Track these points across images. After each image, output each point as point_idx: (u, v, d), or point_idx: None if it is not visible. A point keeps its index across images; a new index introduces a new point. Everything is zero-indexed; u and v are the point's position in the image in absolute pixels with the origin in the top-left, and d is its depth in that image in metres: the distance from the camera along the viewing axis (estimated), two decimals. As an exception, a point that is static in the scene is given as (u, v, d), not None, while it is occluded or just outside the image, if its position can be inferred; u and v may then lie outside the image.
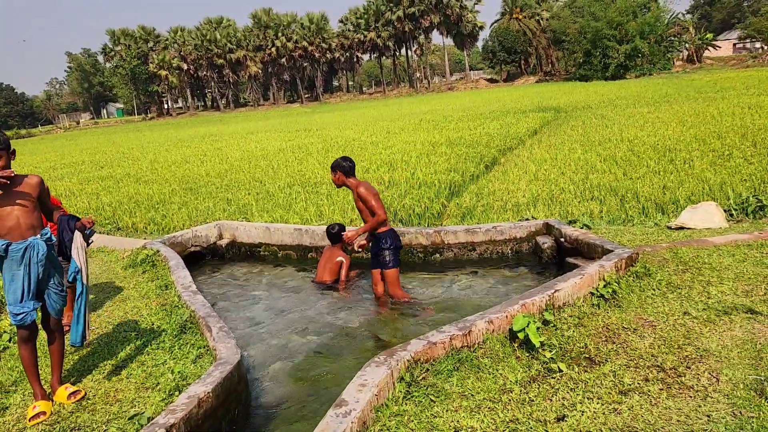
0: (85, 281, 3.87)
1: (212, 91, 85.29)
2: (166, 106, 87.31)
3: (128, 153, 24.66)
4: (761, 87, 24.57)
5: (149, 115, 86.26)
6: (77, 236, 3.84)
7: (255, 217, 9.23)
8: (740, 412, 3.04)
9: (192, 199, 11.88)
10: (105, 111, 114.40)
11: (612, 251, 4.93)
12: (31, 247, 3.54)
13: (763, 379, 3.30)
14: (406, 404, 3.29)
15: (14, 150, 3.60)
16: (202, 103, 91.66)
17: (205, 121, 55.67)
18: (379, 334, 4.90)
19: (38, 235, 3.59)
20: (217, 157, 19.14)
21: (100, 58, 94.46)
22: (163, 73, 77.65)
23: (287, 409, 3.84)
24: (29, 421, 3.55)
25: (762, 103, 17.83)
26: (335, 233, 6.24)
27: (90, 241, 3.93)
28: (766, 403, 3.08)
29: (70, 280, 3.87)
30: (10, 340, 5.05)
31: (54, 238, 3.71)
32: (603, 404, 3.24)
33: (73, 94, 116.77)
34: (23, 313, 3.58)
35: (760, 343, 3.71)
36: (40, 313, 3.80)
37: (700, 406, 3.14)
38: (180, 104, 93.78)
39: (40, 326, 3.87)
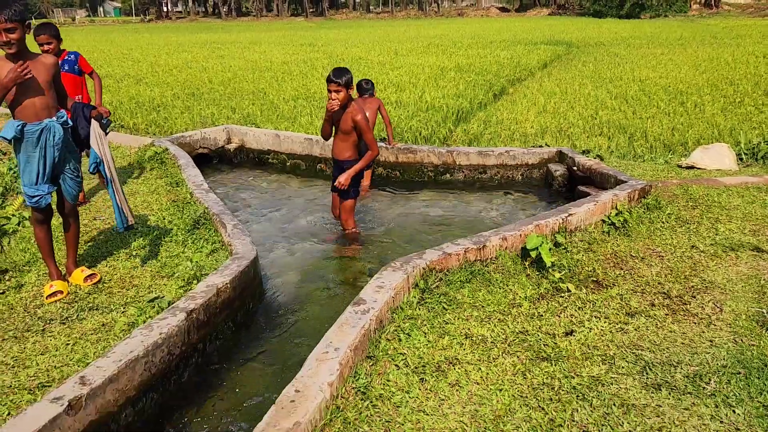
0: (110, 170, 3.84)
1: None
2: (165, 9, 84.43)
3: (127, 54, 24.03)
4: (778, 37, 24.04)
5: (147, 16, 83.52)
6: (95, 125, 3.77)
7: (260, 125, 9.12)
8: (741, 340, 3.14)
9: (195, 104, 11.69)
10: (101, 9, 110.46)
11: (626, 182, 4.95)
12: (47, 130, 3.47)
13: (765, 311, 3.40)
14: (419, 309, 3.38)
15: (29, 23, 3.46)
16: (203, 9, 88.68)
17: (206, 28, 54.02)
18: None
19: (54, 117, 3.52)
20: (219, 65, 18.71)
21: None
22: (164, -27, 74.56)
23: (299, 306, 3.94)
24: (46, 298, 3.62)
25: (778, 53, 17.51)
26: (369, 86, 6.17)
27: (107, 131, 3.87)
28: (766, 334, 3.18)
29: (91, 170, 3.83)
30: (19, 224, 5.08)
31: (71, 122, 3.65)
32: (610, 323, 3.33)
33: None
34: (38, 195, 3.56)
35: (764, 279, 3.79)
36: (55, 197, 3.78)
37: (703, 332, 3.24)
38: (180, 8, 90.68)
39: (55, 210, 3.87)
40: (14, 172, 6.54)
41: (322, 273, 4.49)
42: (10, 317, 3.47)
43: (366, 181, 6.36)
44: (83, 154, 4.03)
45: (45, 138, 3.47)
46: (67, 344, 3.12)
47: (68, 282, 3.82)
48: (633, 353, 3.03)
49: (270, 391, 3.07)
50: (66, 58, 5.63)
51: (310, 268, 4.57)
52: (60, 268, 3.91)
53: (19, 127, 3.39)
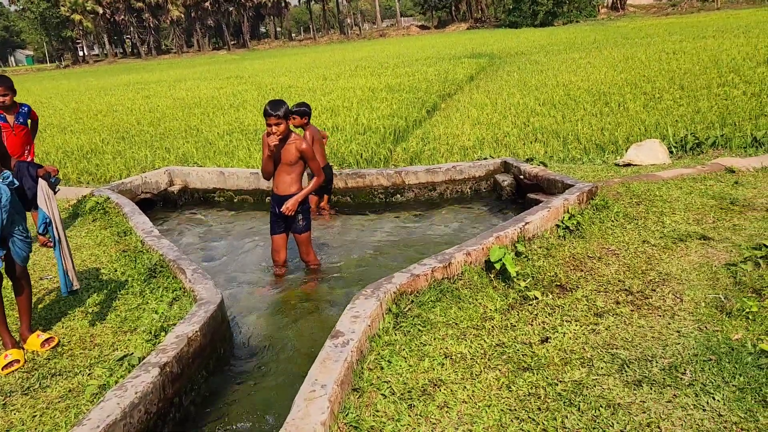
0: (58, 231, 3.67)
1: (131, 37, 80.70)
2: (81, 53, 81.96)
3: (46, 102, 23.17)
4: (683, 33, 25.56)
5: (63, 62, 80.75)
6: (43, 184, 3.61)
7: (200, 164, 8.96)
8: (706, 327, 3.28)
9: (126, 148, 11.37)
10: (12, 58, 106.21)
11: (573, 185, 5.12)
12: None
13: (722, 297, 3.57)
14: (396, 334, 3.37)
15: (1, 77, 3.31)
16: (121, 50, 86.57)
17: (127, 69, 52.76)
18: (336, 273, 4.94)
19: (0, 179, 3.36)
20: (146, 106, 18.29)
21: (4, 1, 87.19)
22: (77, 17, 72.47)
23: (269, 345, 3.86)
24: (2, 369, 3.40)
25: (685, 49, 18.58)
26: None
27: (56, 190, 3.71)
28: (727, 319, 3.34)
29: (41, 231, 3.66)
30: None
31: (16, 182, 3.48)
32: (581, 326, 3.42)
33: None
34: (-12, 260, 3.38)
35: (714, 266, 3.99)
36: (3, 262, 3.58)
37: (669, 324, 3.37)
38: (96, 51, 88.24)
39: (3, 274, 3.67)
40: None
41: (287, 308, 4.41)
42: (-36, 395, 3.25)
43: (324, 203, 6.36)
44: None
45: None
46: (34, 416, 2.95)
47: (24, 349, 3.61)
48: (609, 353, 3.11)
49: (255, 437, 2.98)
50: (19, 111, 5.44)
51: (275, 304, 4.50)
52: (13, 335, 3.69)
53: None
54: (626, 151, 7.08)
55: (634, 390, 2.77)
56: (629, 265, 4.14)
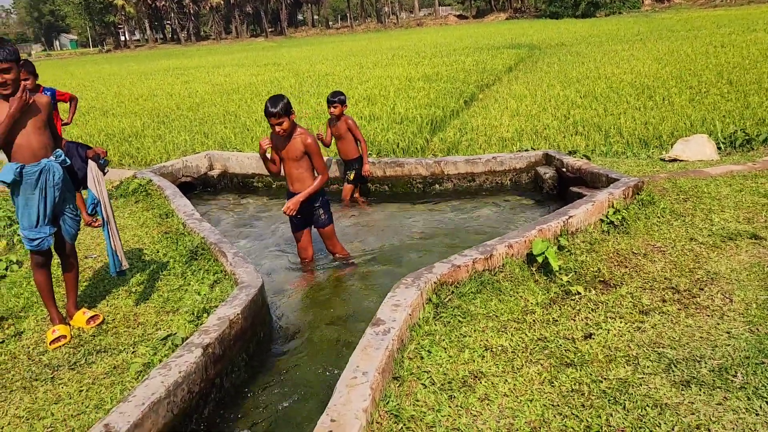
0: (107, 212, 3.74)
1: (172, 23, 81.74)
2: (123, 38, 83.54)
3: (90, 86, 23.66)
4: (731, 26, 24.76)
5: (105, 47, 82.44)
6: (92, 166, 3.68)
7: (241, 150, 9.03)
8: (757, 329, 3.17)
9: (166, 132, 11.53)
10: (57, 42, 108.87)
11: (618, 180, 5.01)
12: (46, 170, 3.38)
13: (774, 298, 3.45)
14: (436, 324, 3.35)
15: (23, 62, 3.37)
16: (161, 36, 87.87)
17: (167, 55, 53.54)
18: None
19: (52, 157, 3.43)
20: (185, 91, 18.53)
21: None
22: (120, 2, 73.82)
23: (306, 330, 3.88)
24: (50, 344, 3.49)
25: (734, 42, 18.01)
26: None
27: (105, 171, 3.78)
28: (779, 320, 3.22)
29: (90, 212, 3.74)
30: (6, 268, 4.92)
31: (69, 161, 3.55)
32: (626, 323, 3.34)
33: (21, 23, 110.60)
34: (39, 238, 3.45)
35: (767, 266, 3.85)
36: (53, 239, 3.66)
37: (718, 324, 3.27)
38: (138, 36, 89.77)
39: (53, 251, 3.75)
40: (-8, 216, 6.35)
41: (324, 294, 4.43)
42: (14, 367, 3.34)
43: (356, 194, 6.38)
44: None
45: (44, 179, 3.37)
46: (81, 391, 3.01)
47: (70, 325, 3.70)
48: (655, 352, 3.04)
49: (295, 420, 3.00)
50: (42, 94, 5.54)
51: (312, 290, 4.52)
52: (60, 312, 3.78)
53: (17, 170, 3.29)
54: (672, 146, 6.90)
55: (682, 390, 2.70)
56: (676, 262, 4.03)
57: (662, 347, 3.08)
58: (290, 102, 4.32)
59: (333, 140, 6.44)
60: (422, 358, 3.05)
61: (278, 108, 4.21)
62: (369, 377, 2.61)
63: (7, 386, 3.17)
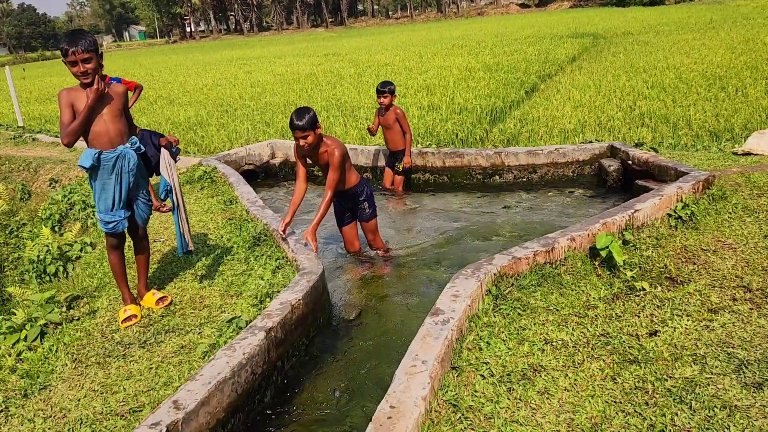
0: (177, 197, 3.90)
1: (235, 14, 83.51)
2: (188, 29, 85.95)
3: (157, 76, 24.46)
4: (814, 14, 23.39)
5: (172, 38, 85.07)
6: (165, 153, 3.84)
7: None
8: (836, 332, 3.02)
9: (229, 121, 11.82)
10: (127, 33, 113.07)
11: (687, 173, 4.83)
12: (122, 157, 3.53)
13: None
14: (495, 316, 3.33)
15: (102, 53, 3.53)
16: (225, 27, 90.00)
17: (230, 45, 54.78)
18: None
19: (128, 144, 3.58)
20: (248, 81, 18.92)
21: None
22: (185, -6, 75.89)
23: (363, 317, 3.93)
24: (122, 323, 3.66)
25: (817, 31, 17.02)
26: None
27: (177, 159, 3.94)
28: None
29: (162, 197, 3.90)
30: (81, 250, 5.18)
31: (143, 148, 3.71)
32: (693, 321, 3.24)
33: (94, 15, 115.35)
34: (115, 221, 3.62)
35: None
36: (127, 222, 3.83)
37: (793, 325, 3.12)
38: (202, 27, 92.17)
39: (126, 234, 3.92)
40: (68, 199, 6.69)
41: (381, 283, 4.47)
42: (89, 343, 3.52)
43: (398, 187, 6.41)
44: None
45: (120, 165, 3.53)
46: (150, 368, 3.15)
47: (140, 306, 3.87)
48: (724, 351, 2.93)
49: (352, 405, 3.05)
50: (110, 84, 5.78)
51: (369, 278, 4.56)
52: (131, 292, 3.95)
53: (96, 155, 3.45)
54: (745, 139, 6.58)
55: (754, 393, 2.60)
56: (748, 260, 3.86)
57: (732, 347, 2.97)
58: (316, 115, 4.24)
59: (380, 129, 6.49)
60: (481, 349, 3.04)
61: (304, 121, 4.11)
62: (428, 366, 2.63)
63: (83, 361, 3.34)
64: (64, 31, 3.53)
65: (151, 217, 4.00)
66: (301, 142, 4.18)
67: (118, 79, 5.91)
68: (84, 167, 3.50)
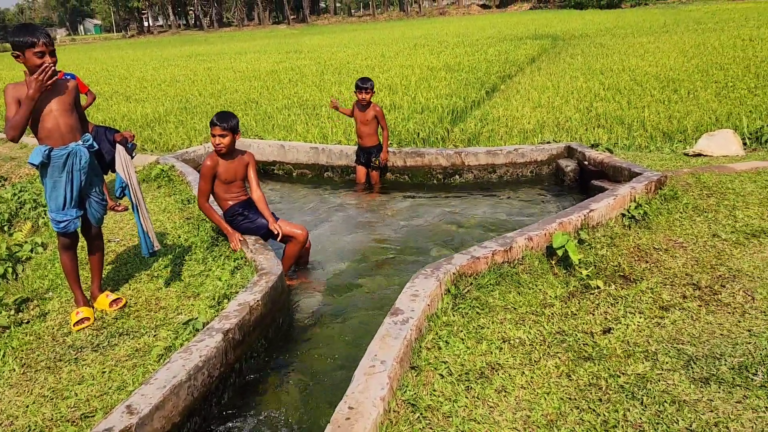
0: (136, 195, 3.80)
1: (195, 9, 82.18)
2: (146, 24, 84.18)
3: (113, 71, 23.89)
4: (761, 19, 24.28)
5: (129, 32, 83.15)
6: (120, 150, 3.73)
7: (263, 137, 9.08)
8: (779, 328, 3.14)
9: (188, 118, 11.62)
10: (82, 27, 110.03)
11: (641, 174, 4.95)
12: (73, 154, 3.43)
13: (797, 297, 3.40)
14: (454, 315, 3.36)
15: (54, 48, 3.42)
16: (184, 22, 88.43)
17: (189, 41, 53.85)
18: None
19: (80, 141, 3.48)
20: (207, 77, 18.63)
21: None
22: (143, -13, 74.33)
23: (325, 317, 3.91)
24: (74, 326, 3.56)
25: (763, 35, 17.66)
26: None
27: (133, 155, 3.83)
28: (803, 320, 3.18)
29: (118, 195, 3.80)
30: (32, 250, 5.01)
31: (96, 145, 3.60)
32: (646, 318, 3.33)
33: (47, 7, 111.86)
34: (66, 220, 3.51)
35: (791, 265, 3.80)
36: (80, 222, 3.72)
37: (739, 322, 3.23)
38: (161, 22, 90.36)
39: (79, 234, 3.81)
40: (18, 198, 6.47)
41: (343, 283, 4.45)
42: (39, 347, 3.42)
43: (376, 180, 6.43)
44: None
45: (72, 162, 3.43)
46: (103, 372, 3.08)
47: (93, 308, 3.77)
48: (674, 348, 3.02)
49: (311, 406, 3.04)
50: (62, 79, 5.62)
51: (329, 277, 4.54)
52: (84, 294, 3.85)
53: (45, 152, 3.35)
54: (696, 141, 6.80)
55: (701, 388, 2.68)
56: (698, 258, 3.99)
57: (682, 343, 3.06)
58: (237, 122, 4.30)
59: (355, 126, 6.50)
60: (440, 348, 3.06)
61: (229, 123, 4.19)
62: (387, 366, 2.63)
63: (32, 366, 3.24)
64: (16, 24, 3.44)
65: (105, 216, 3.90)
66: (218, 140, 4.20)
67: (73, 75, 5.74)
68: (34, 164, 3.39)
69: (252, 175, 4.43)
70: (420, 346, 3.04)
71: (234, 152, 4.37)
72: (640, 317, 3.35)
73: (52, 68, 3.27)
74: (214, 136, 4.23)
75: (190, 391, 2.74)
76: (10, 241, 5.26)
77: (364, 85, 6.32)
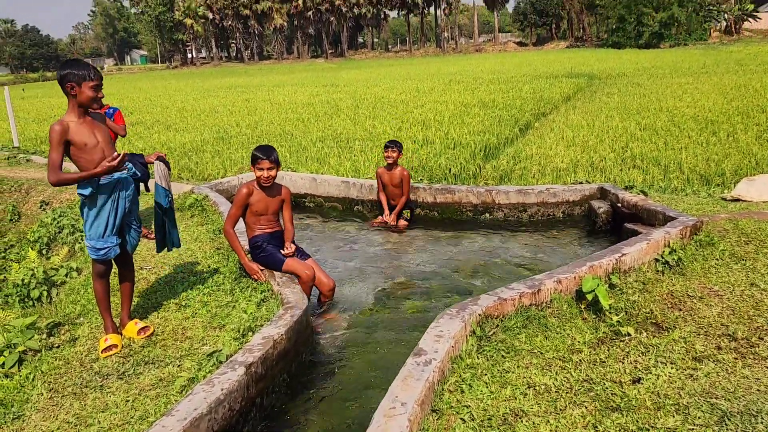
0: (171, 201, 4.01)
1: (237, 42, 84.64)
2: (190, 56, 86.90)
3: (156, 100, 24.63)
4: (804, 62, 23.86)
5: (173, 63, 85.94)
6: (160, 165, 3.89)
7: (294, 169, 9.21)
8: (820, 385, 3.00)
9: (225, 148, 11.87)
10: (129, 57, 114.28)
11: (675, 218, 4.85)
12: (119, 183, 3.55)
13: (840, 353, 3.26)
14: (478, 358, 3.30)
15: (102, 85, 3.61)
16: (226, 54, 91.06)
17: (230, 72, 55.32)
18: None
19: (124, 170, 3.60)
20: (245, 109, 19.06)
21: (126, 3, 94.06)
22: (189, 21, 77.02)
23: (350, 354, 3.88)
24: (102, 352, 3.61)
25: (807, 79, 17.34)
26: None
27: (169, 170, 3.98)
28: None
29: (166, 205, 3.93)
30: (66, 275, 5.13)
31: (139, 173, 3.73)
32: (677, 369, 3.22)
33: (97, 38, 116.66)
34: (106, 248, 3.60)
35: (833, 318, 3.65)
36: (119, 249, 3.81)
37: (777, 377, 3.11)
38: (204, 54, 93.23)
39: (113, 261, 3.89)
40: (58, 222, 6.66)
41: (369, 319, 4.43)
42: (67, 372, 3.47)
43: (402, 222, 6.39)
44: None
45: (118, 191, 3.55)
46: (127, 401, 3.10)
47: (122, 335, 3.82)
48: (707, 402, 2.91)
49: (331, 446, 3.00)
50: (106, 111, 5.84)
51: (357, 313, 4.53)
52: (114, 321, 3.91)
53: (95, 182, 3.46)
54: (735, 185, 6.65)
55: (735, 446, 2.57)
56: (734, 308, 3.86)
57: (715, 398, 2.95)
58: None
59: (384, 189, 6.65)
60: (463, 391, 3.01)
61: (274, 156, 4.37)
62: (407, 408, 2.59)
63: (59, 391, 3.29)
64: (70, 58, 3.65)
65: (138, 244, 3.99)
66: (266, 173, 4.35)
67: (116, 110, 5.96)
68: (83, 194, 3.51)
69: (287, 213, 4.53)
70: (442, 389, 2.99)
71: (273, 186, 4.47)
72: (672, 368, 3.24)
73: (125, 159, 3.44)
74: (261, 169, 4.34)
75: (211, 424, 2.74)
76: (47, 264, 5.39)
77: (391, 144, 6.51)
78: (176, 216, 6.50)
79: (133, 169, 3.67)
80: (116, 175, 3.55)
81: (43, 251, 6.47)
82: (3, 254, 7.47)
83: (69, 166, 3.84)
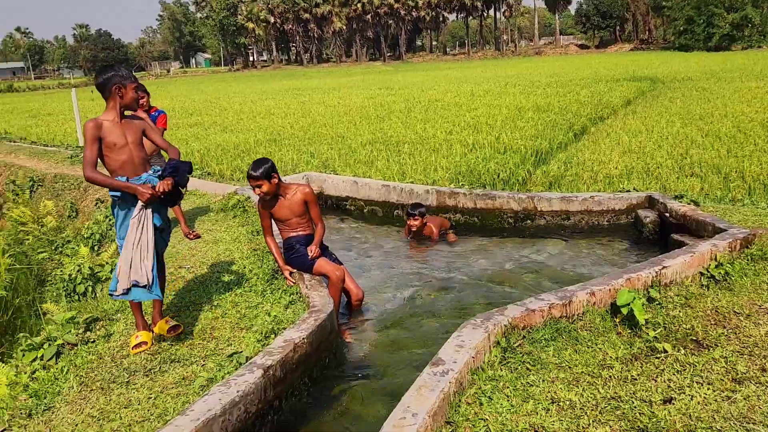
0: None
1: (296, 46, 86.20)
2: (251, 58, 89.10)
3: (215, 102, 25.29)
4: None
5: (235, 66, 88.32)
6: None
7: (338, 171, 9.26)
8: None
9: (276, 150, 12.05)
10: (194, 60, 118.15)
11: (725, 230, 4.60)
12: (146, 184, 3.63)
13: None
14: (501, 370, 3.21)
15: (138, 84, 3.73)
16: (286, 57, 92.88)
17: (289, 75, 56.31)
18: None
19: (150, 172, 3.68)
20: (300, 111, 19.32)
21: (192, 8, 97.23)
22: (251, 25, 78.97)
23: (374, 361, 3.85)
24: (132, 349, 3.70)
25: None
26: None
27: (190, 174, 3.97)
28: None
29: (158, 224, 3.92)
30: (111, 271, 5.29)
31: (166, 174, 3.80)
32: (714, 390, 3.04)
33: (164, 42, 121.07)
34: (132, 248, 3.69)
35: None
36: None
37: (825, 404, 2.89)
38: (264, 57, 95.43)
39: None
40: (110, 220, 6.90)
41: (397, 325, 4.38)
42: (98, 367, 3.57)
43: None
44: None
45: None
46: (149, 398, 3.16)
47: (153, 332, 3.90)
48: (744, 427, 2.73)
49: (346, 453, 2.97)
50: (153, 113, 6.01)
51: (385, 320, 4.48)
52: (146, 318, 4.00)
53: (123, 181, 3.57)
54: (799, 195, 6.26)
55: (769, 477, 2.40)
56: (783, 328, 3.62)
57: (753, 423, 2.76)
58: (274, 166, 4.41)
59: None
60: (481, 404, 2.93)
61: (259, 172, 4.28)
62: (418, 420, 2.54)
63: (89, 385, 3.39)
64: (105, 64, 3.79)
65: (181, 243, 4.07)
66: (256, 191, 4.34)
67: (160, 112, 6.13)
68: (115, 196, 3.61)
69: (313, 212, 4.51)
70: (459, 400, 2.91)
71: (283, 193, 4.46)
72: (709, 388, 3.06)
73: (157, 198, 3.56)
74: (252, 187, 4.40)
75: (224, 425, 2.75)
76: (95, 261, 5.58)
77: (412, 211, 5.96)
78: (219, 216, 6.68)
79: (159, 171, 3.71)
80: (143, 176, 3.63)
81: (95, 247, 6.72)
82: (61, 249, 7.81)
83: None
